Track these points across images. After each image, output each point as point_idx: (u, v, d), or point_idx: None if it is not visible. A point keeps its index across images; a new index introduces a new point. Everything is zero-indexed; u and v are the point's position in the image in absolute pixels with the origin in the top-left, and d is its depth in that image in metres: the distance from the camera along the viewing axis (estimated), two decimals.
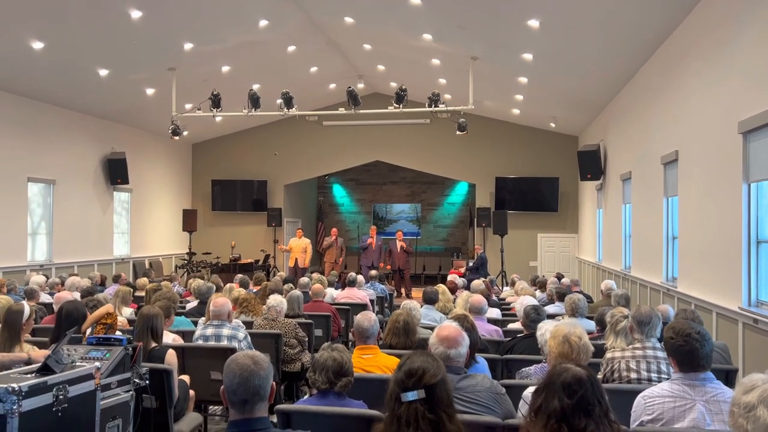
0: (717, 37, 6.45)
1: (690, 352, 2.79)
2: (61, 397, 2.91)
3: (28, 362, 3.78)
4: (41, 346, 4.39)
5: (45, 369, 2.96)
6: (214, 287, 7.40)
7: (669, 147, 8.00)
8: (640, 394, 2.88)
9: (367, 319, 3.98)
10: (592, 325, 5.53)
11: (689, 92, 7.35)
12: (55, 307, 5.88)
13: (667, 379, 3.04)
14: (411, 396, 2.29)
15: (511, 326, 6.30)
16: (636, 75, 9.82)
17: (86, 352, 3.49)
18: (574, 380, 2.11)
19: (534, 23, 8.44)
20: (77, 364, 3.17)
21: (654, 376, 3.64)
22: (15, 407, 2.68)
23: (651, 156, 8.85)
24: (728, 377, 4.09)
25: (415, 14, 9.30)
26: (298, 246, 14.56)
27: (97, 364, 3.26)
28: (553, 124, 14.88)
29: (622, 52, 9.10)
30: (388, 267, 14.23)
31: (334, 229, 15.79)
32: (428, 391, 2.30)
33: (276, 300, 6.09)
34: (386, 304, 10.24)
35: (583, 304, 5.81)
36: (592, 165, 12.65)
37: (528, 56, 9.94)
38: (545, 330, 3.59)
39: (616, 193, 11.35)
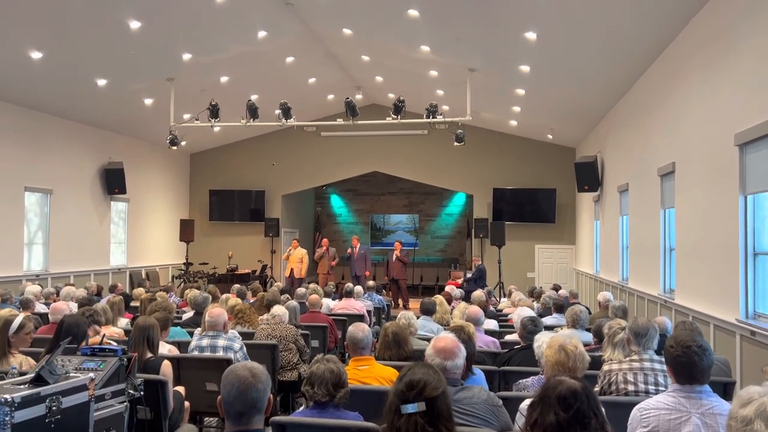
0: (713, 50, 6.48)
1: (688, 363, 2.78)
2: (54, 408, 2.87)
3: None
4: (36, 356, 4.36)
5: (38, 380, 2.93)
6: (210, 297, 7.37)
7: (666, 159, 8.02)
8: (636, 407, 2.86)
9: (361, 330, 3.96)
10: (590, 336, 5.52)
11: (686, 104, 7.38)
12: (51, 318, 5.84)
13: (665, 391, 3.03)
14: (411, 408, 2.27)
15: (508, 337, 6.28)
16: (633, 87, 9.86)
17: (80, 363, 3.45)
18: (569, 393, 2.09)
19: (531, 35, 8.49)
20: (71, 374, 3.14)
21: (651, 388, 3.63)
22: (7, 418, 2.65)
23: (648, 168, 8.87)
24: (726, 390, 4.08)
25: (413, 26, 9.34)
26: (294, 256, 14.55)
27: (91, 374, 3.22)
28: (550, 136, 14.92)
29: (618, 64, 9.14)
30: (367, 273, 14.23)
31: (325, 240, 15.74)
32: (429, 404, 2.28)
33: (279, 310, 6.11)
34: (383, 315, 10.21)
35: (585, 316, 5.80)
36: (589, 176, 12.67)
37: (525, 68, 9.98)
38: (542, 342, 3.58)
39: (614, 205, 11.36)
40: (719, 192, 6.23)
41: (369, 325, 6.30)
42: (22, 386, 2.90)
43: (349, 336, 3.98)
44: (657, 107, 8.58)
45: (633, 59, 8.78)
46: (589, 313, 8.77)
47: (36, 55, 8.89)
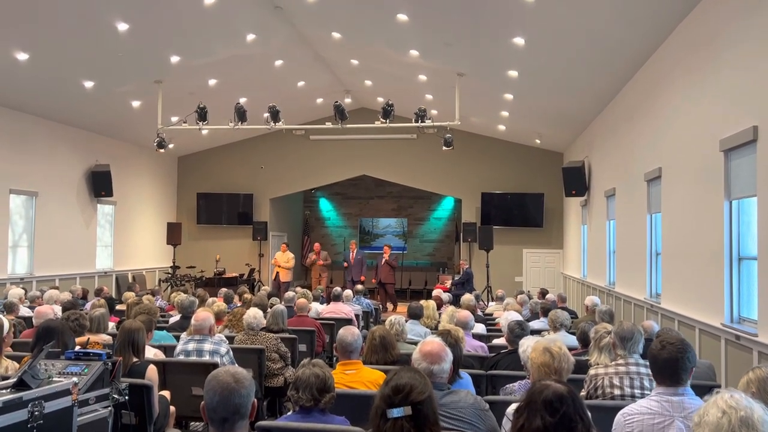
0: (698, 57, 6.55)
1: (670, 360, 2.80)
2: (36, 413, 2.84)
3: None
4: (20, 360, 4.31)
5: (20, 384, 2.90)
6: (197, 301, 7.32)
7: (652, 164, 8.08)
8: (620, 412, 2.88)
9: (351, 333, 3.95)
10: (575, 340, 5.53)
11: (672, 110, 7.45)
12: (35, 321, 5.77)
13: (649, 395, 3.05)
14: (397, 413, 2.27)
15: (495, 341, 6.29)
16: (620, 93, 9.94)
17: (64, 367, 3.42)
18: (555, 397, 2.09)
19: (519, 41, 8.53)
20: (54, 379, 3.11)
21: (637, 392, 3.65)
22: None
23: (635, 173, 8.93)
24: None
25: (402, 31, 9.36)
26: (283, 260, 14.53)
27: (75, 379, 3.20)
28: (538, 141, 15.00)
29: (606, 70, 9.21)
30: (362, 278, 14.23)
31: (317, 244, 15.77)
32: (415, 409, 2.28)
33: (254, 314, 6.03)
34: (372, 319, 10.18)
35: (564, 319, 5.83)
36: (576, 181, 12.74)
37: (513, 73, 10.03)
38: (527, 346, 3.59)
39: (601, 210, 11.43)
40: (705, 197, 6.29)
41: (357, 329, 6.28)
42: (4, 390, 2.86)
43: (339, 339, 3.96)
44: (643, 113, 8.65)
45: (619, 66, 8.84)
46: (576, 317, 8.84)
47: (22, 56, 8.82)
